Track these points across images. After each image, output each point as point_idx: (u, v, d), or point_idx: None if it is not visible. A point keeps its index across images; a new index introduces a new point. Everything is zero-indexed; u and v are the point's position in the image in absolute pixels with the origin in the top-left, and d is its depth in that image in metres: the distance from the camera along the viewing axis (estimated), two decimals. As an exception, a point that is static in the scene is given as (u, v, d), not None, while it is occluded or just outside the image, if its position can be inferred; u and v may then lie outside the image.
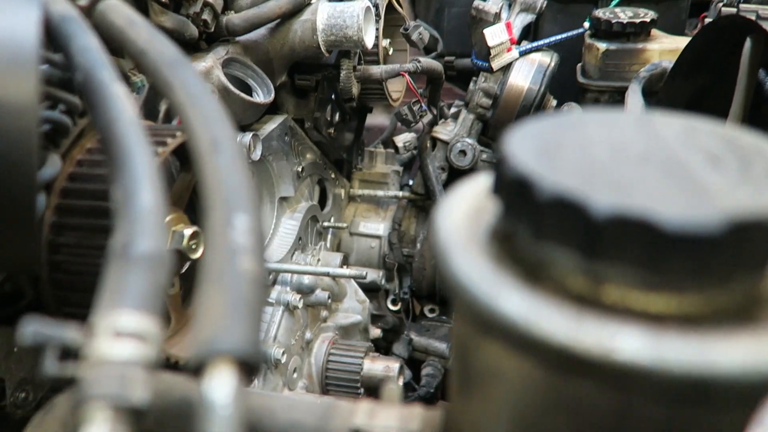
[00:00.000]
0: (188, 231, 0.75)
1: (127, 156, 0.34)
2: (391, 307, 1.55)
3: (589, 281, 0.25)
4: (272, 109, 1.15)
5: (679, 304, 0.24)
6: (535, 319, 0.24)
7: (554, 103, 1.37)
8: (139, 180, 0.33)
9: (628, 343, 0.22)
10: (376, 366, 1.25)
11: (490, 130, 1.44)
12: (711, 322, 0.24)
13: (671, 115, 0.31)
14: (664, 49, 1.18)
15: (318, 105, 1.22)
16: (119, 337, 0.29)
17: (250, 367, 0.29)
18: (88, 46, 0.39)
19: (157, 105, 0.83)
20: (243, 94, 0.96)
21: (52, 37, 0.42)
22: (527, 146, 0.27)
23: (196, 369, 0.29)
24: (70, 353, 0.30)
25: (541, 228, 0.25)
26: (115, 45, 0.46)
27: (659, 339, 0.23)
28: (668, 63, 1.06)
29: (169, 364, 0.67)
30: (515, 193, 0.26)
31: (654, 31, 1.26)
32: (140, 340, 0.29)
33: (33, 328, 0.28)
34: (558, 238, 0.25)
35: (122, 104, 0.37)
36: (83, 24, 0.41)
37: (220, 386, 0.28)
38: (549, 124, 0.30)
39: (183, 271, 0.78)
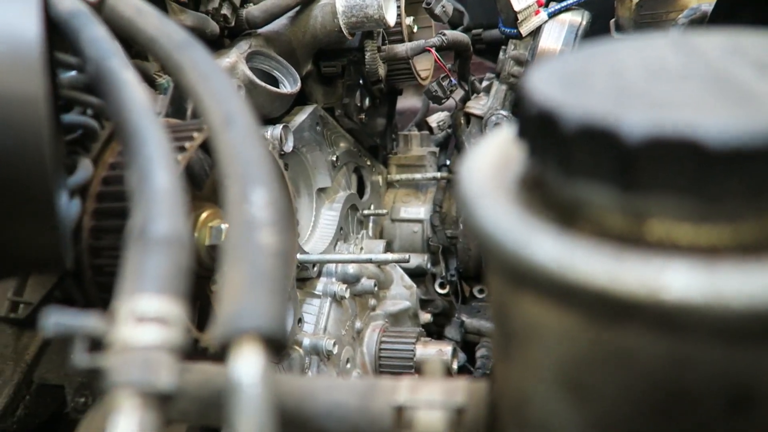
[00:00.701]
0: (225, 226, 0.75)
1: (139, 139, 0.33)
2: (440, 291, 1.53)
3: (629, 218, 0.23)
4: (301, 99, 1.14)
5: (734, 233, 0.21)
6: (569, 262, 0.22)
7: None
8: (153, 162, 0.32)
9: (677, 280, 0.20)
10: (428, 350, 1.24)
11: (524, 100, 1.39)
12: (773, 250, 0.21)
13: (711, 32, 0.27)
14: (703, -9, 1.11)
15: (346, 91, 1.20)
16: (141, 321, 0.28)
17: (275, 343, 0.28)
18: (96, 36, 0.39)
19: (184, 104, 0.84)
20: (269, 86, 0.96)
21: (63, 34, 0.41)
22: (550, 79, 0.25)
23: (221, 350, 0.28)
24: (101, 344, 0.30)
25: (571, 163, 0.23)
26: (127, 38, 0.45)
27: (713, 272, 0.20)
28: (708, 6, 0.99)
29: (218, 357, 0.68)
30: (539, 129, 0.24)
31: (690, -25, 1.18)
32: (163, 323, 0.29)
33: (54, 319, 0.28)
34: (590, 173, 0.22)
35: (133, 89, 0.36)
36: (91, 17, 0.41)
37: (246, 365, 0.27)
38: (575, 56, 0.27)
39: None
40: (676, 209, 0.22)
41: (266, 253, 0.30)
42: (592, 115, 0.22)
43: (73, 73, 0.54)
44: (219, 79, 0.38)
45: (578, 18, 1.27)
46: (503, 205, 0.25)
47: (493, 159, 0.30)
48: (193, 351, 0.65)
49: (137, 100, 0.36)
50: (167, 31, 0.42)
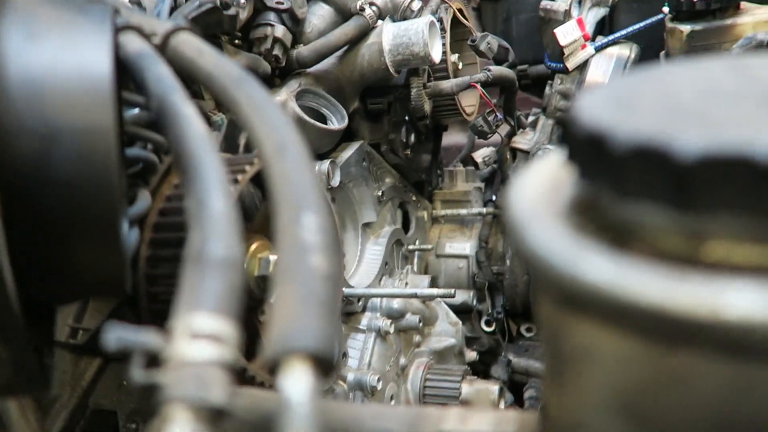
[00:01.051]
0: (273, 257, 0.77)
1: (197, 167, 0.35)
2: (486, 329, 1.50)
3: (686, 238, 0.22)
4: (348, 135, 1.17)
5: (798, 253, 0.21)
6: (625, 283, 0.21)
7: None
8: (210, 188, 0.34)
9: (739, 298, 0.19)
10: (474, 389, 1.21)
11: (572, 135, 1.37)
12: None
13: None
14: (758, 20, 1.08)
15: (392, 127, 1.22)
16: (196, 338, 0.29)
17: (325, 364, 0.29)
18: (160, 74, 0.41)
19: (236, 140, 0.87)
20: (318, 123, 0.99)
21: (130, 73, 0.44)
22: (600, 102, 0.25)
23: (271, 369, 0.29)
24: (156, 361, 0.31)
25: (623, 185, 0.23)
26: (188, 76, 0.48)
27: (777, 290, 0.19)
28: (764, 35, 0.97)
29: (264, 385, 0.68)
30: (589, 151, 0.24)
31: (743, 4, 1.15)
32: (216, 341, 0.29)
33: (116, 335, 0.29)
34: (643, 193, 0.22)
35: (192, 121, 0.38)
36: (156, 57, 0.44)
37: (295, 383, 0.28)
38: (624, 80, 0.27)
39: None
40: (734, 229, 0.21)
41: (317, 276, 0.31)
42: (644, 134, 0.22)
43: (136, 110, 0.57)
44: (272, 111, 0.40)
45: (626, 51, 1.26)
46: (554, 226, 0.25)
47: (542, 183, 0.30)
48: (241, 379, 0.66)
49: (196, 131, 0.38)
50: (225, 68, 0.44)
